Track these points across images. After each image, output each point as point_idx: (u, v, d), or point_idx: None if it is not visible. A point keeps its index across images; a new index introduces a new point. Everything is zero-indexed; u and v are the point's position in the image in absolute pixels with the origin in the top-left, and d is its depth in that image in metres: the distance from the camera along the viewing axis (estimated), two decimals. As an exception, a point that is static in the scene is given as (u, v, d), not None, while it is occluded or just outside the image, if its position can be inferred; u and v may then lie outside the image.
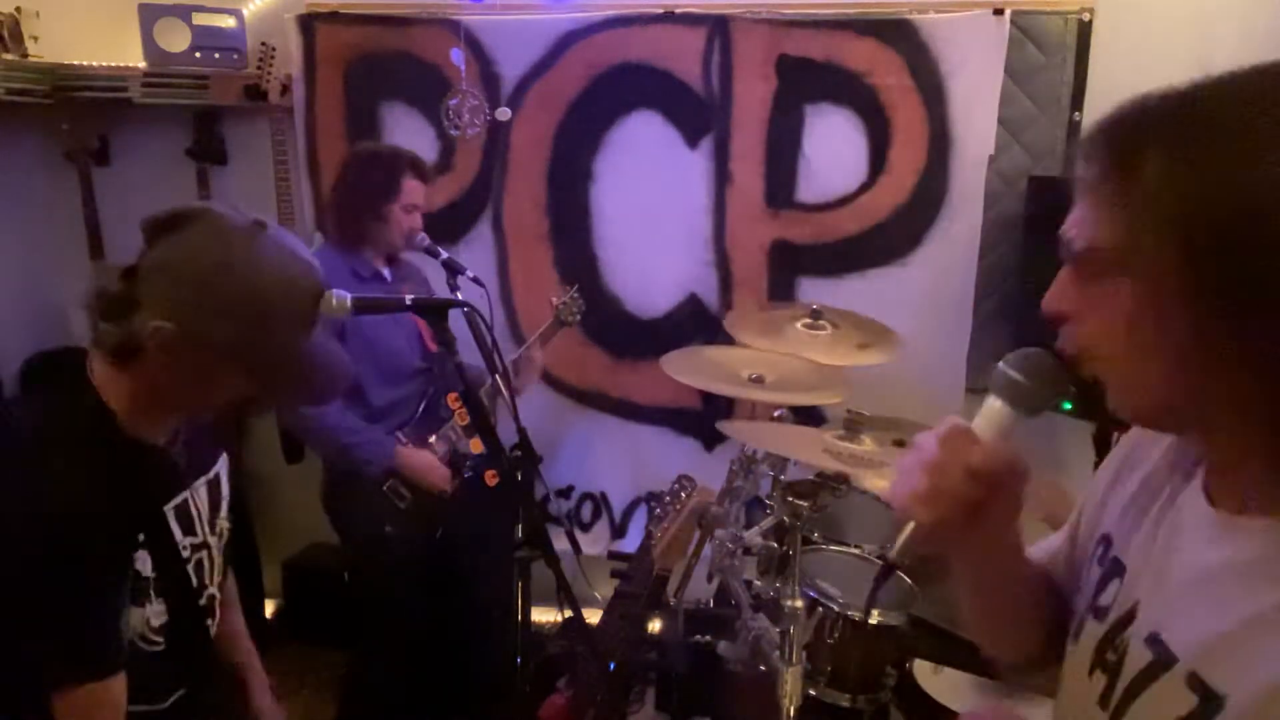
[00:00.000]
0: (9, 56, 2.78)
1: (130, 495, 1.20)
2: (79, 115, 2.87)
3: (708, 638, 2.34)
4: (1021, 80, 2.71)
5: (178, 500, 1.32)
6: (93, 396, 1.20)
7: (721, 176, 2.91)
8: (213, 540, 1.39)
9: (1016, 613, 0.88)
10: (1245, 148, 0.59)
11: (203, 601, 1.37)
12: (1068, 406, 2.43)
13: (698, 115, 2.88)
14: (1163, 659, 0.67)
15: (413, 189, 2.40)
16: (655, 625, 2.27)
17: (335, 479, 2.46)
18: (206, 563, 1.37)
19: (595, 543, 3.18)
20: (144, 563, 1.23)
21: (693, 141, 2.91)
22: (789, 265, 2.92)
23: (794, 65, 2.80)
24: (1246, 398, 0.62)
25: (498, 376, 1.80)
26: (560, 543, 2.48)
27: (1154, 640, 0.69)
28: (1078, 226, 0.69)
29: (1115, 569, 0.79)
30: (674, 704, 2.40)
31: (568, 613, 1.70)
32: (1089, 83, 2.70)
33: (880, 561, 1.58)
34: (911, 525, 0.75)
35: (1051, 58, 2.70)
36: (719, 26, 2.82)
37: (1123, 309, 0.65)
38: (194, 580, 1.34)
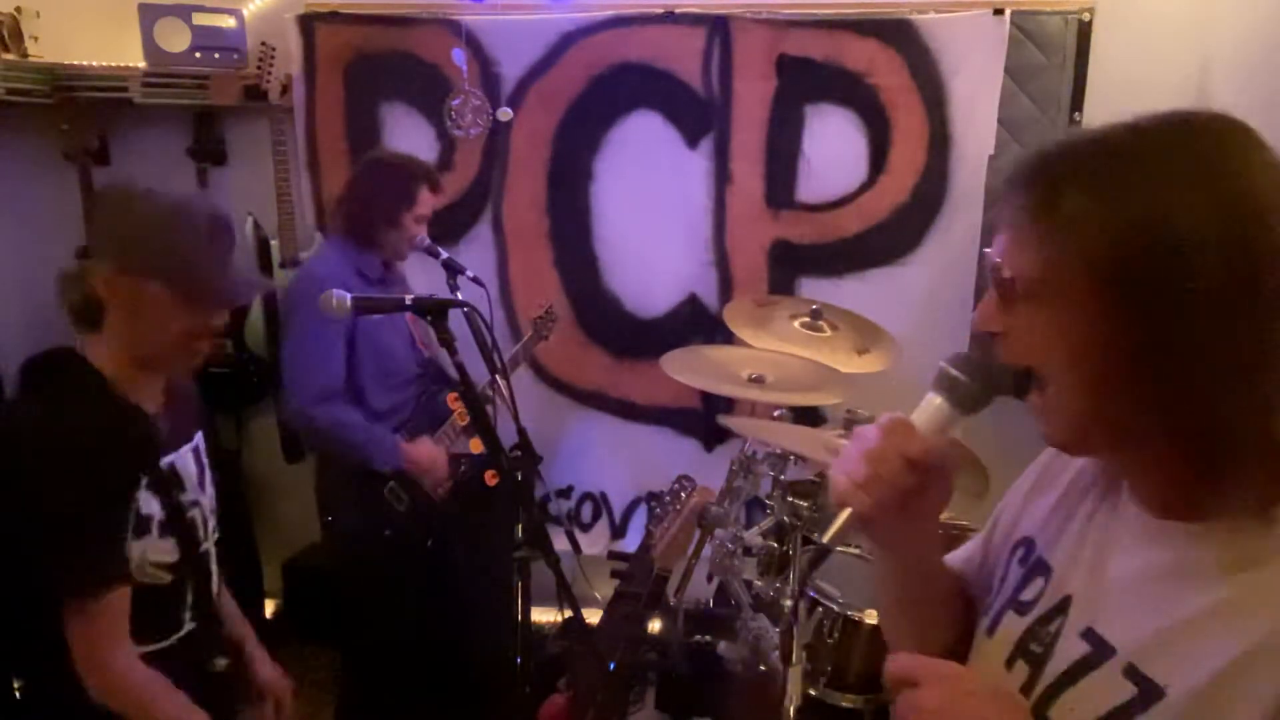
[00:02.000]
0: (9, 56, 2.78)
1: (127, 442, 1.38)
2: (79, 115, 2.87)
3: (708, 638, 2.34)
4: (1021, 80, 2.71)
5: (170, 459, 1.48)
6: (83, 364, 1.40)
7: (721, 176, 2.91)
8: (203, 500, 1.54)
9: (932, 610, 0.92)
10: (1154, 185, 0.65)
11: (204, 549, 1.53)
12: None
13: (698, 115, 2.88)
14: (1100, 651, 0.71)
15: (426, 200, 2.43)
16: (655, 625, 2.27)
17: (331, 483, 2.46)
18: (200, 519, 1.53)
19: (595, 543, 3.18)
20: (148, 503, 1.40)
21: (693, 141, 2.91)
22: (789, 265, 2.92)
23: (794, 65, 2.80)
24: (1163, 417, 0.67)
25: (497, 376, 1.80)
26: (560, 543, 2.50)
27: (1089, 634, 0.73)
28: (1002, 255, 0.74)
29: (1039, 568, 0.83)
30: (674, 704, 2.40)
31: (568, 613, 1.70)
32: (1089, 83, 2.70)
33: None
34: (848, 511, 0.79)
35: (1051, 58, 2.70)
36: (719, 26, 2.82)
37: (1042, 334, 0.71)
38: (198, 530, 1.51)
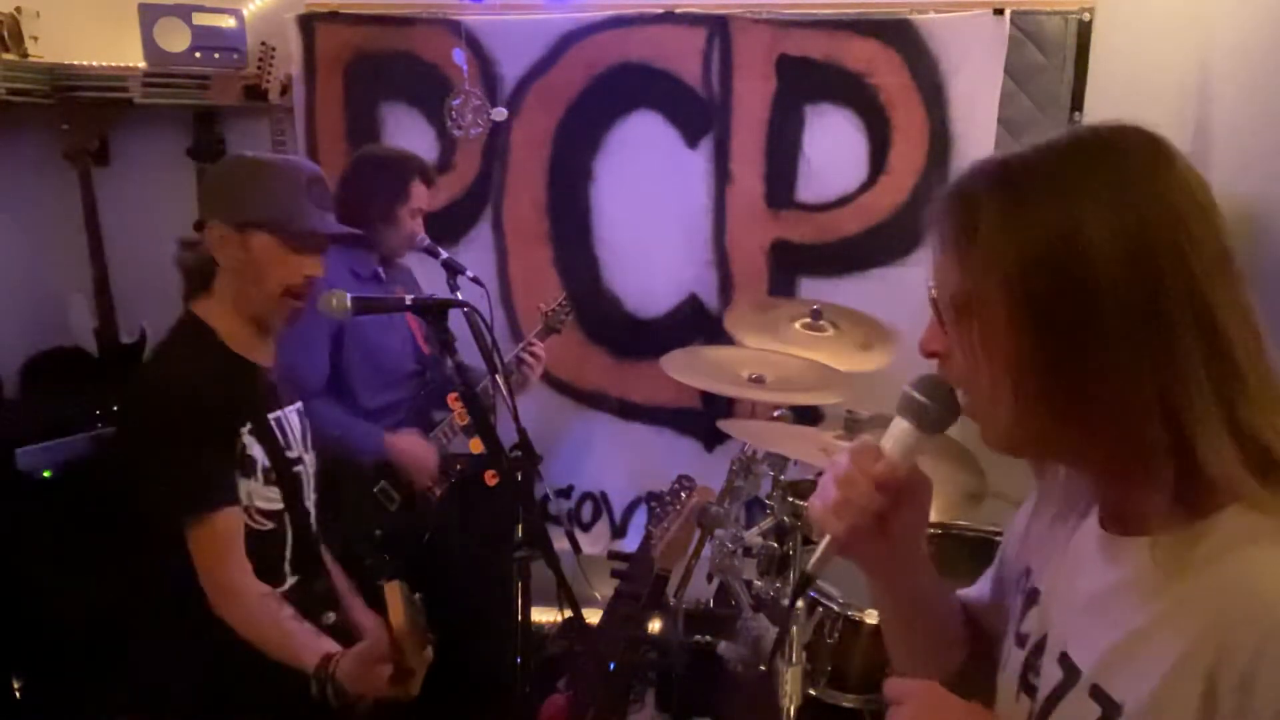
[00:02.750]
0: (9, 56, 2.78)
1: (235, 387, 1.54)
2: (79, 115, 2.87)
3: (708, 638, 2.34)
4: (1021, 80, 2.71)
5: (276, 414, 1.62)
6: (198, 321, 1.57)
7: (721, 176, 2.91)
8: (307, 458, 1.69)
9: (929, 633, 0.93)
10: (1062, 203, 0.67)
11: (308, 504, 1.66)
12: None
13: (698, 115, 2.88)
14: (1070, 675, 0.73)
15: (420, 193, 2.42)
16: (655, 625, 2.27)
17: (322, 483, 2.46)
18: (304, 476, 1.67)
19: (595, 543, 3.18)
20: (253, 447, 1.54)
21: (693, 141, 2.91)
22: (789, 265, 2.92)
23: (794, 65, 2.80)
24: (1094, 426, 0.69)
25: (497, 376, 1.80)
26: (560, 543, 2.50)
27: (1064, 659, 0.75)
28: (933, 278, 0.77)
29: (1033, 597, 0.84)
30: (674, 704, 2.40)
31: (568, 613, 1.70)
32: (1089, 83, 2.70)
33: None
34: (828, 538, 0.81)
35: (1051, 58, 2.70)
36: (719, 26, 2.82)
37: (972, 352, 0.73)
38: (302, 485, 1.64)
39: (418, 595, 1.48)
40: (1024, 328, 0.68)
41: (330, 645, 1.48)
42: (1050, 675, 0.76)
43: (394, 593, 1.45)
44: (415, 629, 1.45)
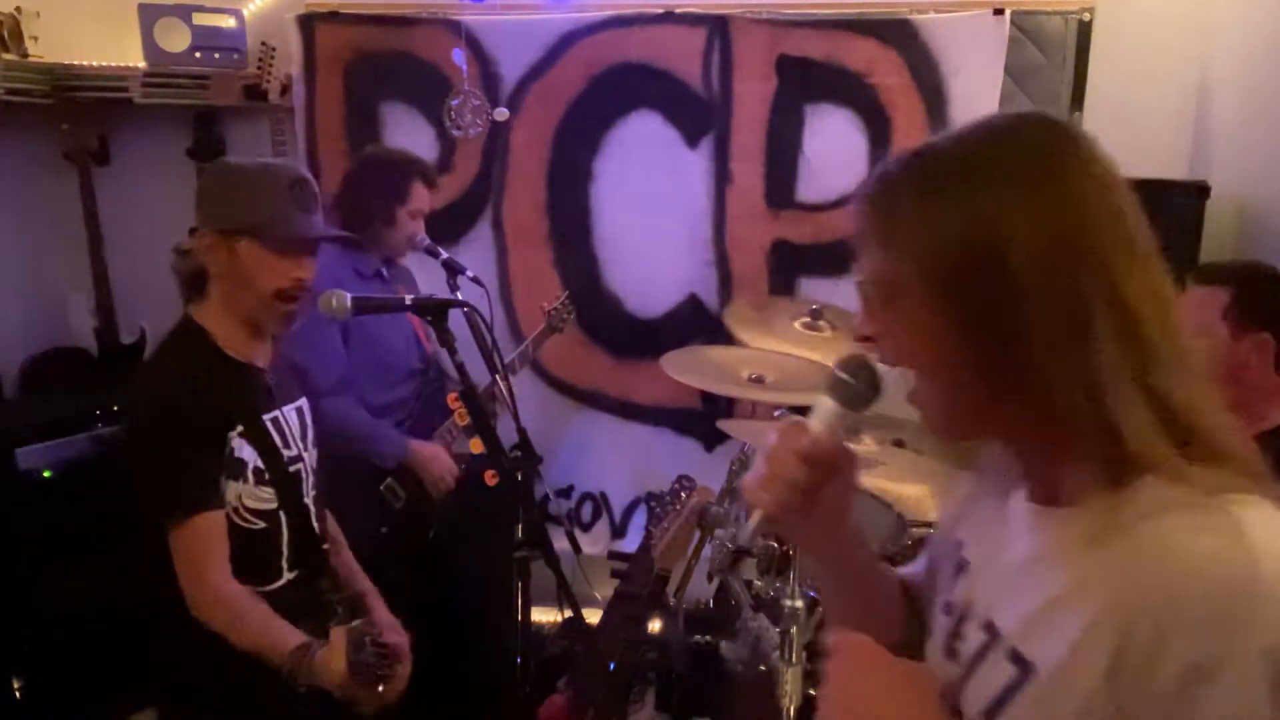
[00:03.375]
0: (9, 56, 2.78)
1: (226, 391, 1.55)
2: (79, 115, 2.87)
3: (708, 638, 2.34)
4: (1021, 80, 2.71)
5: (272, 414, 1.62)
6: (194, 326, 1.59)
7: (721, 176, 2.91)
8: (306, 456, 1.69)
9: (866, 606, 0.97)
10: (976, 189, 0.70)
11: (307, 501, 1.67)
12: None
13: (698, 115, 2.88)
14: (992, 639, 0.77)
15: (420, 195, 2.42)
16: (655, 625, 2.27)
17: (327, 480, 2.46)
18: (303, 474, 1.68)
19: (595, 543, 3.17)
20: (242, 449, 1.55)
21: (693, 141, 2.91)
22: (789, 265, 2.92)
23: (794, 65, 2.80)
24: (1018, 404, 0.71)
25: (497, 377, 1.80)
26: (560, 543, 2.50)
27: (988, 625, 0.79)
28: (861, 266, 0.79)
29: (963, 567, 0.88)
30: (674, 704, 2.40)
31: (568, 613, 1.70)
32: (1089, 83, 2.70)
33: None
34: (759, 512, 0.84)
35: (1051, 58, 2.70)
36: (719, 26, 2.82)
37: (900, 335, 0.76)
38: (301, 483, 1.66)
39: (369, 639, 1.47)
40: (944, 312, 0.71)
41: (303, 637, 1.49)
42: (974, 640, 0.80)
43: (338, 638, 1.46)
44: (360, 674, 1.44)
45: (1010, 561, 0.78)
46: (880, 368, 0.83)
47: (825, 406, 0.85)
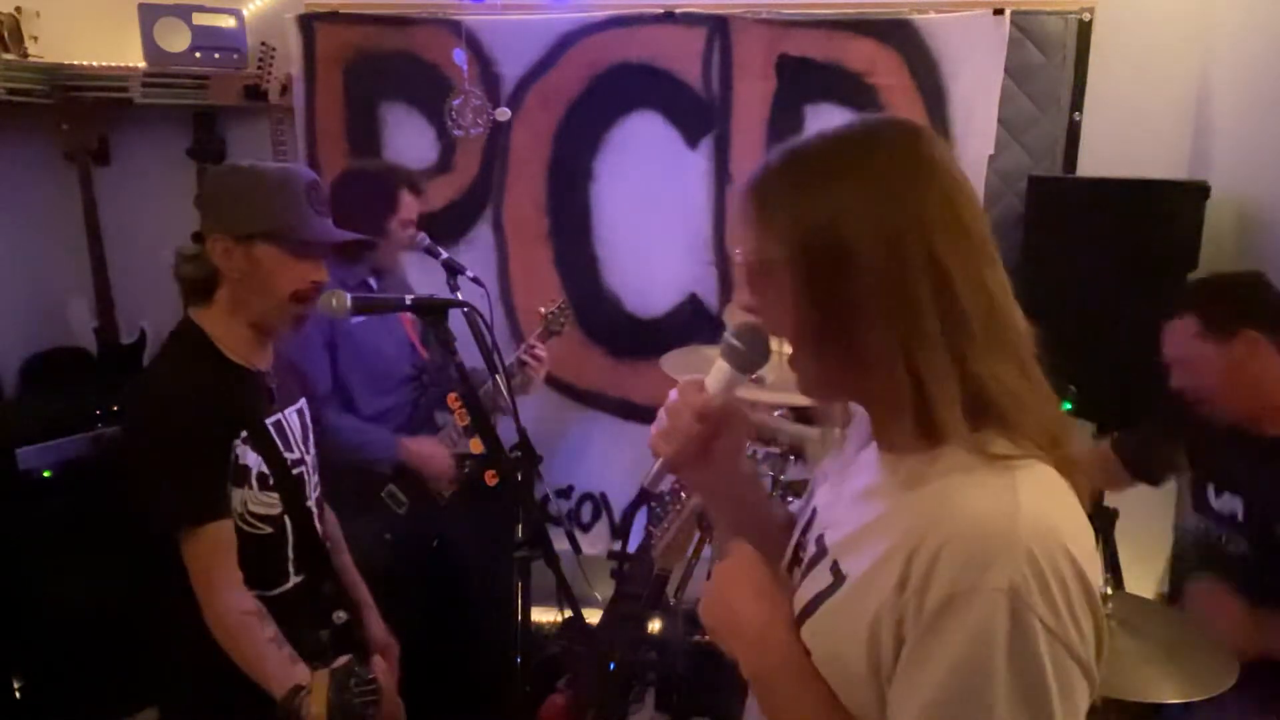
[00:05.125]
0: (9, 56, 2.78)
1: (230, 397, 1.55)
2: (79, 115, 2.86)
3: (708, 638, 2.33)
4: (1021, 80, 2.71)
5: (275, 418, 1.63)
6: (196, 330, 1.58)
7: (721, 176, 2.91)
8: (308, 459, 1.70)
9: (762, 539, 1.03)
10: (828, 184, 0.80)
11: (310, 505, 1.67)
12: (1068, 406, 2.43)
13: (698, 115, 2.88)
14: (821, 552, 0.90)
15: (409, 204, 2.40)
16: (655, 625, 2.27)
17: (328, 489, 2.46)
18: (306, 475, 1.68)
19: (595, 543, 3.18)
20: (246, 455, 1.55)
21: (693, 141, 2.91)
22: (789, 265, 2.92)
23: (794, 65, 2.80)
24: (859, 372, 0.82)
25: (497, 377, 1.80)
26: (560, 543, 2.49)
27: (819, 539, 0.92)
28: (741, 246, 0.88)
29: (814, 493, 1.03)
30: (674, 704, 2.40)
31: (568, 613, 1.70)
32: (1089, 83, 2.70)
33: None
34: (661, 460, 0.99)
35: (1051, 58, 2.70)
36: (719, 26, 2.82)
37: (773, 304, 0.86)
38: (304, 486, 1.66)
39: (354, 680, 1.46)
40: (803, 289, 0.81)
41: (303, 674, 1.47)
42: (810, 551, 0.93)
43: (320, 683, 1.44)
44: (345, 714, 1.43)
45: (850, 491, 0.91)
46: (768, 335, 0.94)
47: (718, 368, 0.97)
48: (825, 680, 0.84)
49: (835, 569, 0.85)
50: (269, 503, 1.58)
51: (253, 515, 1.56)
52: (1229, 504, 1.88)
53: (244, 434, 1.55)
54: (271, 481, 1.58)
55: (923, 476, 0.80)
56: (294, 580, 1.63)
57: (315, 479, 1.72)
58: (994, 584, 0.70)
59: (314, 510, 1.69)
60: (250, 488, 1.56)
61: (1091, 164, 2.73)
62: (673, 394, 0.99)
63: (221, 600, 1.49)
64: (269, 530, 1.59)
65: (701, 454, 0.99)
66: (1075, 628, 0.72)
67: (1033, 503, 0.74)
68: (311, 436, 1.73)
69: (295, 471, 1.63)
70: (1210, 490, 1.93)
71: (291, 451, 1.64)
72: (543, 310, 2.70)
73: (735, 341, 0.95)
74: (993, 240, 0.83)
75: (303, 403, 1.73)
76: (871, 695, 0.79)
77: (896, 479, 0.83)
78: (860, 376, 0.83)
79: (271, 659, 1.48)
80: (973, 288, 0.78)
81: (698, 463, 1.00)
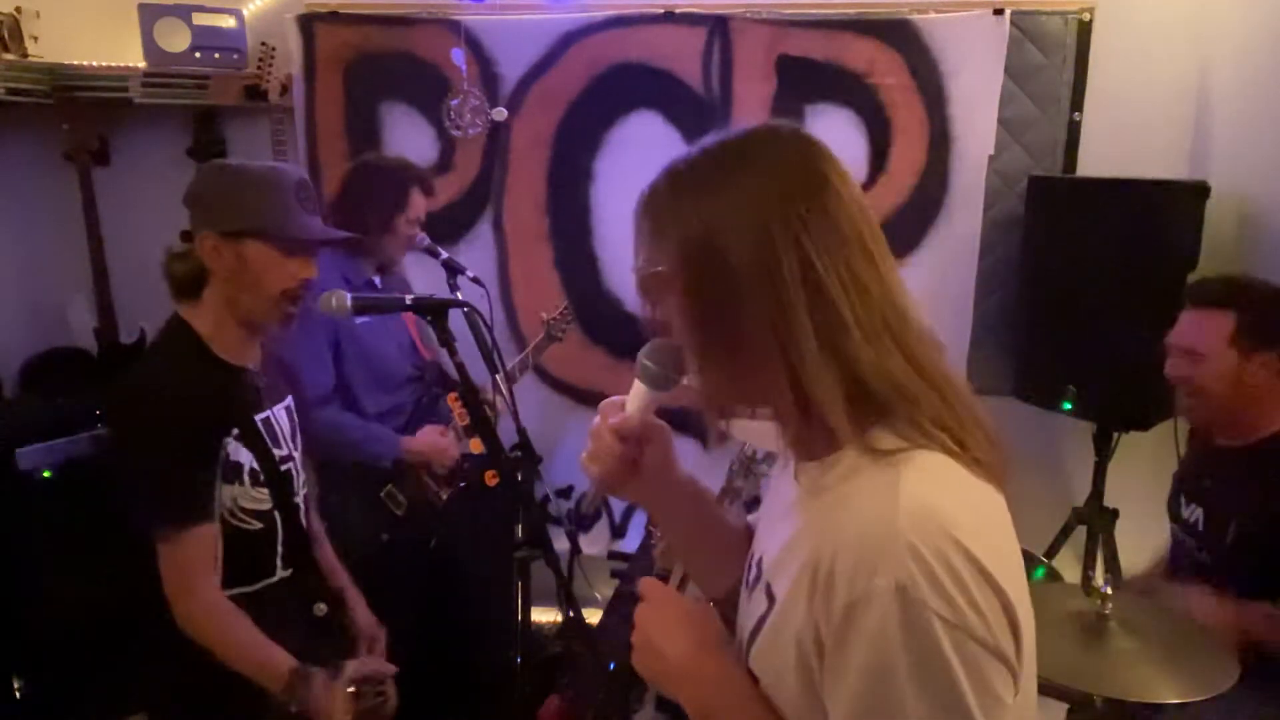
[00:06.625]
0: (9, 56, 2.78)
1: (220, 394, 1.55)
2: (79, 115, 2.87)
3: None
4: (1021, 80, 2.71)
5: (264, 415, 1.63)
6: (184, 327, 1.57)
7: (721, 176, 2.90)
8: (296, 454, 1.71)
9: (714, 549, 1.07)
10: (705, 199, 0.80)
11: (298, 500, 1.68)
12: (1068, 406, 2.43)
13: (698, 115, 2.88)
14: (758, 575, 0.90)
15: (418, 203, 2.40)
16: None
17: (328, 489, 2.46)
18: (294, 472, 1.69)
19: (595, 543, 3.17)
20: (238, 453, 1.56)
21: (693, 141, 2.88)
22: (789, 265, 2.92)
23: (794, 65, 2.80)
24: (753, 382, 0.82)
25: (497, 377, 1.80)
26: (560, 543, 2.50)
27: (759, 562, 0.91)
28: (637, 261, 0.88)
29: (754, 510, 1.04)
30: (674, 704, 2.40)
31: (568, 613, 1.70)
32: (1089, 83, 2.70)
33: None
34: (592, 481, 1.01)
35: (1051, 58, 2.70)
36: (719, 26, 2.82)
37: (671, 317, 0.86)
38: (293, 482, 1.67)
39: (371, 689, 1.52)
40: (688, 303, 0.82)
41: (287, 659, 1.50)
42: (752, 574, 0.93)
43: (341, 696, 1.49)
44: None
45: (778, 507, 0.91)
46: (680, 351, 0.92)
47: (635, 388, 0.99)
48: (766, 702, 0.83)
49: (769, 591, 0.85)
50: (259, 498, 1.59)
51: (244, 511, 1.58)
52: (1193, 513, 1.90)
53: (235, 431, 1.55)
54: (262, 478, 1.59)
55: (824, 485, 0.80)
56: (280, 574, 1.64)
57: (303, 475, 1.73)
58: (882, 586, 0.70)
59: (302, 505, 1.70)
60: (242, 484, 1.56)
61: (1091, 164, 2.73)
62: (595, 418, 1.01)
63: (202, 598, 1.50)
64: (259, 526, 1.60)
65: (630, 471, 1.01)
66: (975, 612, 0.70)
67: (913, 496, 0.73)
68: (299, 434, 1.74)
69: (284, 468, 1.64)
70: (1181, 500, 1.95)
71: (281, 448, 1.65)
72: (545, 316, 2.70)
73: (647, 362, 0.97)
74: (880, 238, 0.81)
75: (289, 400, 1.74)
76: (818, 715, 0.78)
77: (805, 487, 0.84)
78: (750, 384, 0.83)
79: (259, 647, 1.51)
80: (843, 282, 0.77)
81: (629, 480, 1.01)
